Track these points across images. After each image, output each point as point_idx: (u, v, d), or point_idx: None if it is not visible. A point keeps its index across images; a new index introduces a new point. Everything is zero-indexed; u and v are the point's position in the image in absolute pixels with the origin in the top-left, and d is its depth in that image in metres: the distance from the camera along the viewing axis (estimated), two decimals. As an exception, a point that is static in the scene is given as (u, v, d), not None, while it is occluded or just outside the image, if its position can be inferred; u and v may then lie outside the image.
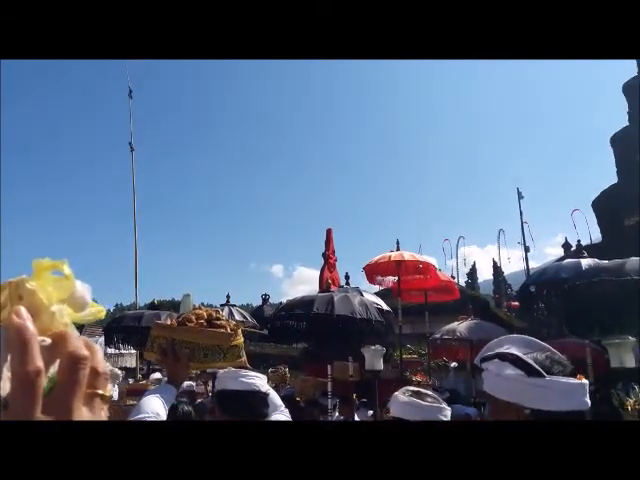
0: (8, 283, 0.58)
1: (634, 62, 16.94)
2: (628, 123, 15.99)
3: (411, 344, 10.68)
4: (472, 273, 20.54)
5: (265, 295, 12.98)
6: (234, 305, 10.19)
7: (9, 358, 0.47)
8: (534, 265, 19.22)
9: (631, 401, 4.95)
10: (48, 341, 0.51)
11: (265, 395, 2.06)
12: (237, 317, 9.14)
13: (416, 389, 1.91)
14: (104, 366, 0.53)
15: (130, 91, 10.56)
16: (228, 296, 10.30)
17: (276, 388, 6.70)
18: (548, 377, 1.25)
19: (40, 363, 0.46)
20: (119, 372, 5.75)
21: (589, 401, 1.26)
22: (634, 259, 4.47)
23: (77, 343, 0.51)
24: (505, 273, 21.55)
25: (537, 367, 1.27)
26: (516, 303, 17.86)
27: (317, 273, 12.15)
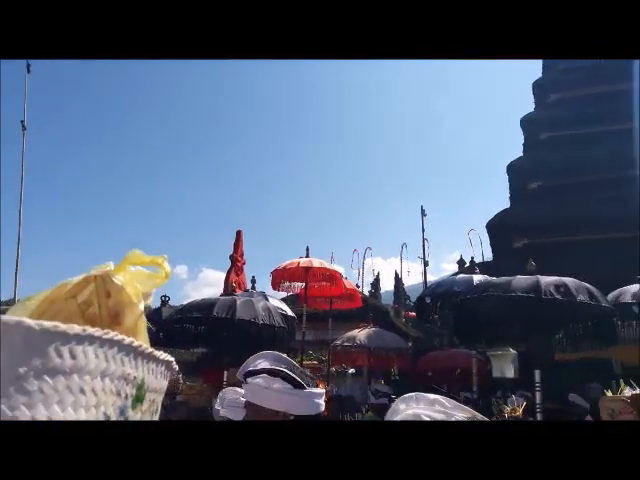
0: (93, 277, 0.53)
1: (531, 97, 18.63)
2: (522, 154, 17.53)
3: (313, 350, 10.74)
4: (376, 283, 21.26)
5: (165, 297, 12.31)
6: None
7: None
8: (431, 279, 20.33)
9: (508, 409, 5.35)
10: None
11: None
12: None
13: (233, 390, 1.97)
14: None
15: (28, 65, 9.61)
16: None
17: (171, 396, 6.33)
18: (307, 389, 1.51)
19: None
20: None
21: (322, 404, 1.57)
22: (520, 277, 4.81)
23: None
24: (405, 285, 22.55)
25: (300, 381, 1.52)
26: (413, 313, 18.75)
27: (224, 275, 11.83)
